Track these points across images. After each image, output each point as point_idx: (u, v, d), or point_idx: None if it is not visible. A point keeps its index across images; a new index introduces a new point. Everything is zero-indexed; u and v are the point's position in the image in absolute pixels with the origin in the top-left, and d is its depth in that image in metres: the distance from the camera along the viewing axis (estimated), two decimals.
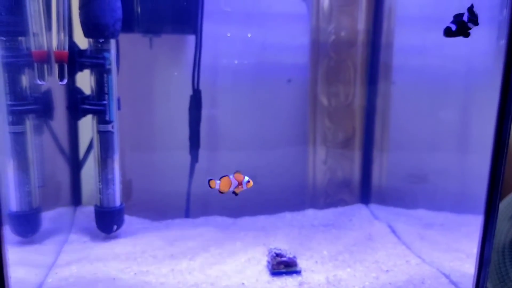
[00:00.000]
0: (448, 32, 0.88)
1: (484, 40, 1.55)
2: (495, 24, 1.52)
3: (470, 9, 0.90)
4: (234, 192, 1.02)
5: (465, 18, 0.89)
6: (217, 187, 1.00)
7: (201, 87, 1.56)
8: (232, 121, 1.70)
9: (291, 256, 1.21)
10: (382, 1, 1.67)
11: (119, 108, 1.36)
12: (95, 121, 1.34)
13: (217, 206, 1.66)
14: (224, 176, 1.01)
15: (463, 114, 1.66)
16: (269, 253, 1.23)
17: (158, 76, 1.61)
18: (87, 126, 1.38)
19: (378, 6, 1.68)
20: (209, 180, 1.00)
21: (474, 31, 1.54)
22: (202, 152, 1.61)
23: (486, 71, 1.53)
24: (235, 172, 1.02)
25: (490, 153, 0.95)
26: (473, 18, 0.89)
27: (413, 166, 1.71)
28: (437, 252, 1.31)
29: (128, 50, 1.44)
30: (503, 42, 0.99)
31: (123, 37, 1.37)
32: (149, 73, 1.60)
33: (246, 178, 1.01)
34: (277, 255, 1.20)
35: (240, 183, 1.01)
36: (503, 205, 1.28)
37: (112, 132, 1.35)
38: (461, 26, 0.87)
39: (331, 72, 1.72)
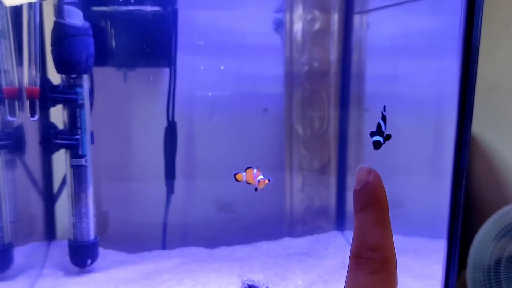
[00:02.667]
0: (377, 145, 0.93)
1: (452, 69, 1.61)
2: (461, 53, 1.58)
3: (384, 117, 0.97)
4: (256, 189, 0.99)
5: (383, 128, 0.95)
6: (244, 179, 0.98)
7: (176, 118, 1.58)
8: (209, 151, 1.72)
9: (264, 287, 1.21)
10: (352, 33, 1.73)
11: (92, 142, 1.37)
12: (68, 156, 1.35)
13: (194, 236, 1.66)
14: (249, 168, 0.99)
15: (434, 140, 1.70)
16: (242, 284, 1.23)
17: (133, 109, 1.62)
18: (62, 160, 1.39)
19: (348, 37, 1.73)
20: (235, 174, 0.99)
21: (443, 60, 1.60)
22: (179, 182, 1.62)
23: (454, 98, 1.57)
24: (246, 169, 1.00)
25: (450, 184, 0.97)
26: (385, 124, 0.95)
27: (387, 191, 1.73)
28: (410, 279, 1.32)
29: (102, 83, 1.46)
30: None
31: (98, 71, 1.40)
32: (124, 106, 1.61)
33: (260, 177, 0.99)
34: (250, 286, 1.21)
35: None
36: (487, 225, 1.31)
37: (85, 166, 1.35)
38: (385, 137, 0.93)
39: (306, 102, 1.76)
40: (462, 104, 0.92)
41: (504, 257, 1.28)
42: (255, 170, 0.99)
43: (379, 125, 0.94)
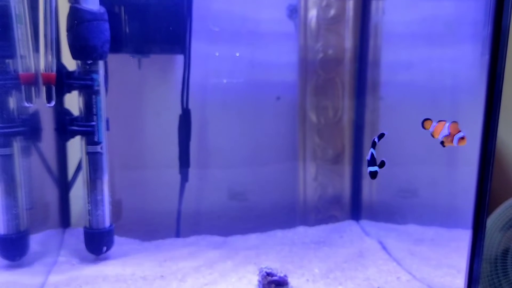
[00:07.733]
0: (374, 175, 0.93)
1: (468, 55, 1.58)
2: (479, 40, 1.55)
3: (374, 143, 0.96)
4: (442, 143, 0.92)
5: (368, 157, 0.95)
6: (431, 130, 0.92)
7: (191, 106, 1.57)
8: (222, 139, 1.70)
9: (281, 275, 1.20)
10: (368, 19, 1.70)
11: (107, 128, 1.35)
12: (83, 142, 1.34)
13: (208, 224, 1.66)
14: (442, 121, 0.92)
15: None
16: (259, 272, 1.22)
17: (147, 96, 1.61)
18: (76, 147, 1.38)
19: (364, 24, 1.70)
20: (425, 119, 0.92)
21: (458, 46, 1.57)
22: (192, 170, 1.61)
23: (471, 86, 1.55)
24: (452, 122, 0.93)
25: (476, 169, 0.96)
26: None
27: (403, 181, 1.72)
28: (428, 268, 1.31)
29: (117, 70, 1.45)
30: (486, 57, 1.00)
31: (112, 58, 1.38)
32: (138, 93, 1.60)
33: (461, 134, 0.91)
34: (268, 274, 1.20)
35: (451, 136, 0.92)
36: (494, 216, 1.30)
37: (101, 153, 1.34)
38: (380, 165, 0.93)
39: (320, 89, 1.74)
40: (490, 91, 0.90)
41: (511, 247, 1.27)
42: (447, 124, 0.90)
43: (372, 155, 0.92)
